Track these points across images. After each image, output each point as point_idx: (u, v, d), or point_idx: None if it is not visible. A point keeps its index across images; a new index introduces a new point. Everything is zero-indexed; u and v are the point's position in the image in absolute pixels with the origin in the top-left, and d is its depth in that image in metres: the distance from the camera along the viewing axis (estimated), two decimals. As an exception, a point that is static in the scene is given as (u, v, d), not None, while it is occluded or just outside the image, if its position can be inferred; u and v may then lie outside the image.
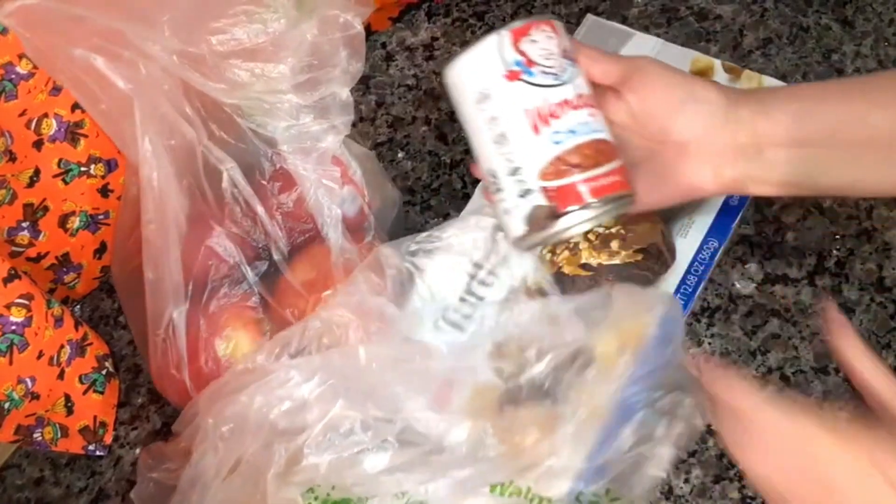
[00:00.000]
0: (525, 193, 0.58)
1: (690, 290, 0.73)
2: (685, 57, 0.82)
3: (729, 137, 0.57)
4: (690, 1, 0.89)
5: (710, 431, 0.69)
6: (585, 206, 0.57)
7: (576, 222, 0.58)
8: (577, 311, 0.66)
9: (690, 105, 0.58)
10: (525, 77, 0.57)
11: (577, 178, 0.57)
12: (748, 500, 0.66)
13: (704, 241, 0.74)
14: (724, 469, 0.67)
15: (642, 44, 0.84)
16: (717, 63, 0.82)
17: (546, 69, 0.57)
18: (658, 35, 0.85)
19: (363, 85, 0.90)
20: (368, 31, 0.89)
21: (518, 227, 0.59)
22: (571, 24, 0.88)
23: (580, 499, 0.60)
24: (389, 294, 0.67)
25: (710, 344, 0.72)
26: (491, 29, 0.60)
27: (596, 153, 0.58)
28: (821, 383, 0.70)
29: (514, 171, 0.58)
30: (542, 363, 0.64)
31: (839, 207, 0.76)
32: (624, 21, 0.88)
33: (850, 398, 0.69)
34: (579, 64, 0.60)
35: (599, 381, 0.62)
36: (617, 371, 0.62)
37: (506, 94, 0.58)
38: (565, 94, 0.58)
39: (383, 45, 0.92)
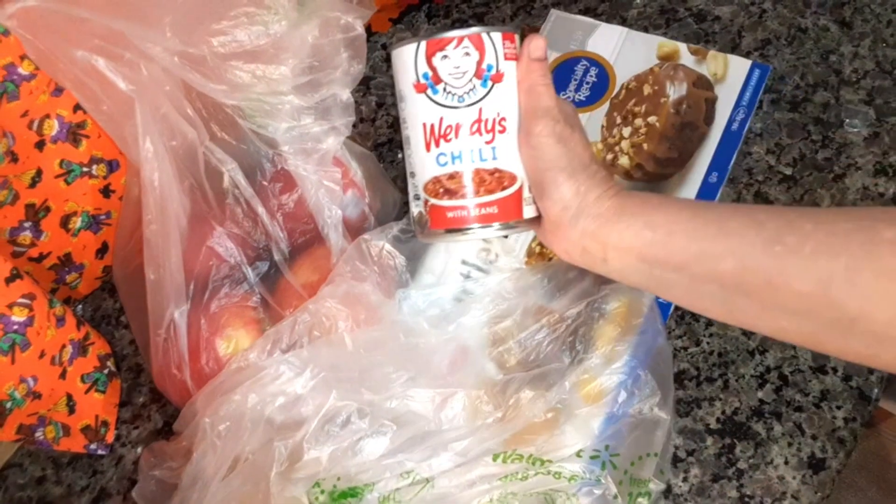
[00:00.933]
0: (415, 197, 0.60)
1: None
2: (651, 43, 0.83)
3: (575, 237, 0.56)
4: (689, 2, 0.89)
5: (708, 431, 0.69)
6: (452, 231, 0.59)
7: (447, 239, 0.61)
8: (548, 278, 0.69)
9: (542, 193, 0.57)
10: (429, 93, 0.58)
11: (448, 203, 0.58)
12: (746, 499, 0.66)
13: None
14: (723, 468, 0.68)
15: (609, 34, 0.84)
16: (683, 47, 0.82)
17: (450, 89, 0.57)
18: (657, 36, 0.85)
19: (363, 86, 0.90)
20: (369, 32, 0.90)
21: (412, 220, 0.62)
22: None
23: (580, 454, 0.61)
24: (374, 281, 0.68)
25: (708, 343, 0.72)
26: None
27: (477, 182, 0.58)
28: (819, 383, 0.70)
29: (412, 175, 0.60)
30: (526, 331, 0.66)
31: (839, 205, 0.76)
32: (623, 22, 0.88)
33: (849, 398, 0.69)
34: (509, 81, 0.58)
35: (586, 331, 0.66)
36: (600, 312, 0.66)
37: (412, 103, 0.59)
38: (464, 118, 0.57)
39: (383, 47, 0.93)
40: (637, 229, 0.54)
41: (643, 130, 0.78)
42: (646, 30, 0.87)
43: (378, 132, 0.88)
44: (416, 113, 0.58)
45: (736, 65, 0.81)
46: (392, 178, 0.80)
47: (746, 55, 0.84)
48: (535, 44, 0.57)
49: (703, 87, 0.80)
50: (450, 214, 0.58)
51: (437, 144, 0.58)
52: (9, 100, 0.64)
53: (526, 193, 0.59)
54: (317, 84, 0.65)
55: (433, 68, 0.57)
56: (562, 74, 0.83)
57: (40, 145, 0.68)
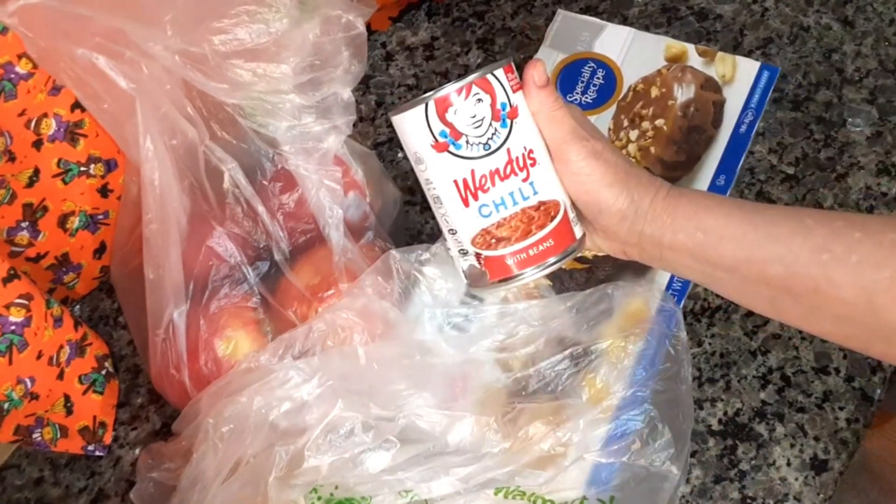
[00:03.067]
0: (462, 252, 0.58)
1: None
2: (659, 44, 0.83)
3: (633, 240, 0.57)
4: (691, 0, 0.89)
5: (710, 432, 0.69)
6: (514, 277, 0.57)
7: (508, 286, 0.58)
8: (576, 309, 0.66)
9: (597, 210, 0.58)
10: (452, 149, 0.55)
11: (505, 251, 0.57)
12: (748, 501, 0.66)
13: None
14: (725, 469, 0.67)
15: (616, 35, 0.84)
16: (691, 48, 0.82)
17: (473, 140, 0.55)
18: (658, 34, 0.85)
19: (363, 85, 0.90)
20: (368, 30, 0.89)
21: (461, 275, 0.60)
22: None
23: (584, 503, 0.60)
24: (394, 299, 0.67)
25: (710, 344, 0.72)
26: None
27: (526, 222, 0.56)
28: (821, 383, 0.70)
29: (452, 232, 0.58)
30: (547, 361, 0.64)
31: (841, 207, 0.76)
32: (624, 21, 0.88)
33: (852, 399, 0.69)
34: (526, 113, 0.57)
35: (609, 369, 0.63)
36: (626, 352, 0.63)
37: (435, 163, 0.56)
38: (495, 164, 0.55)
39: (383, 45, 0.92)
40: (690, 232, 0.55)
41: (650, 133, 0.78)
42: (647, 28, 0.87)
43: (378, 131, 0.87)
44: (443, 172, 0.56)
45: (744, 67, 0.80)
46: (392, 178, 0.79)
47: (748, 54, 0.84)
48: (537, 71, 0.56)
49: (711, 89, 0.79)
50: (509, 261, 0.57)
51: (476, 198, 0.56)
52: (6, 99, 0.63)
53: (571, 214, 0.58)
54: (318, 83, 0.65)
55: (449, 124, 0.55)
56: (568, 76, 0.83)
57: (38, 144, 0.68)
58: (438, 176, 0.56)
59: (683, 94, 0.79)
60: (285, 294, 0.69)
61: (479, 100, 0.55)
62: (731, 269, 0.54)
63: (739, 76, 0.80)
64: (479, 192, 0.56)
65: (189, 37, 0.60)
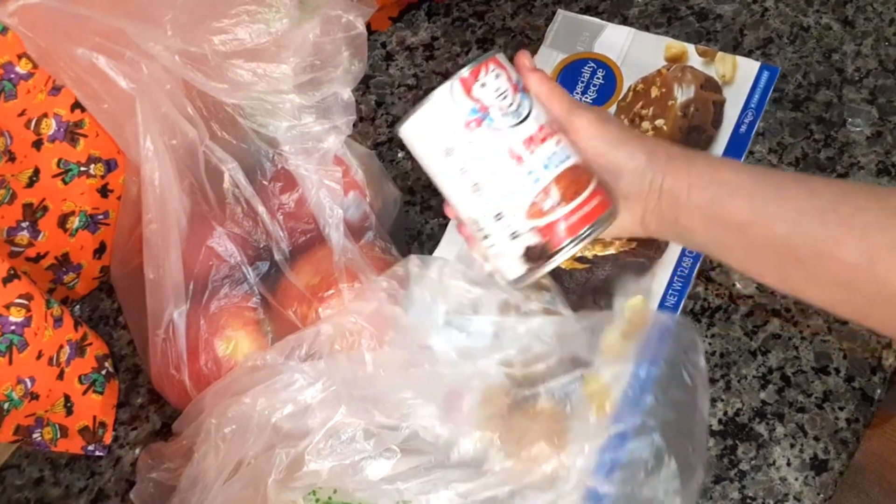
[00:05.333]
0: (514, 235, 0.57)
1: (687, 271, 0.73)
2: (659, 44, 0.83)
3: (653, 201, 0.58)
4: (691, 0, 0.89)
5: (711, 432, 0.69)
6: (577, 238, 0.56)
7: (571, 252, 0.57)
8: (589, 329, 0.65)
9: (616, 172, 0.59)
10: (487, 123, 0.55)
11: (562, 212, 0.56)
12: (748, 501, 0.66)
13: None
14: (725, 469, 0.67)
15: (616, 35, 0.84)
16: (691, 48, 0.82)
17: (504, 110, 0.56)
18: (658, 34, 0.85)
19: (363, 85, 0.90)
20: (368, 30, 0.89)
21: (514, 267, 0.58)
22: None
23: None
24: (408, 305, 0.67)
25: (710, 344, 0.72)
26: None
27: (573, 181, 0.57)
28: (821, 383, 0.70)
29: (499, 217, 0.57)
30: (557, 380, 0.63)
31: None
32: (624, 21, 0.88)
33: (852, 399, 0.69)
34: (531, 93, 0.58)
35: (618, 394, 0.62)
36: (637, 377, 0.62)
37: (471, 144, 0.56)
38: (529, 131, 0.56)
39: (383, 45, 0.92)
40: (705, 183, 0.56)
41: (651, 133, 0.78)
42: (647, 28, 0.87)
43: (378, 131, 0.87)
44: (481, 149, 0.56)
45: (744, 66, 0.80)
46: (392, 178, 0.79)
47: (748, 54, 0.84)
48: (526, 58, 0.59)
49: (711, 89, 0.79)
50: (565, 224, 0.56)
51: (521, 163, 0.56)
52: (6, 99, 0.63)
53: (602, 179, 0.59)
54: (318, 83, 0.65)
55: (477, 100, 0.55)
56: (569, 76, 0.83)
57: (38, 144, 0.67)
58: (476, 156, 0.56)
59: (683, 94, 0.79)
60: (285, 294, 0.69)
61: (497, 75, 0.56)
62: (740, 228, 0.55)
63: (739, 76, 0.80)
64: (524, 158, 0.56)
65: (189, 37, 0.60)
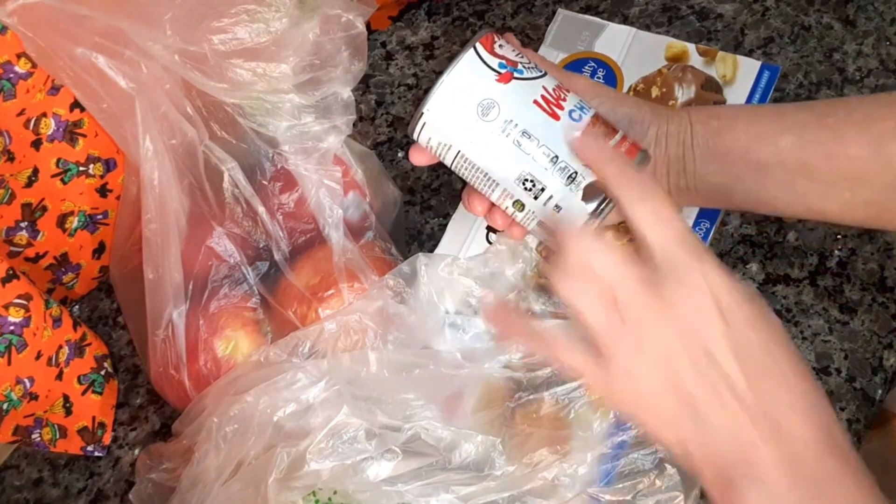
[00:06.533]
0: (573, 177, 0.57)
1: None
2: (660, 43, 0.83)
3: (662, 151, 0.61)
4: (691, 0, 0.89)
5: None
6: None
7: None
8: None
9: (625, 125, 0.61)
10: (517, 75, 0.58)
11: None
12: (750, 501, 0.66)
13: (696, 223, 0.75)
14: (727, 470, 0.67)
15: (616, 34, 0.84)
16: (691, 47, 0.82)
17: (527, 64, 0.59)
18: (659, 34, 0.85)
19: (363, 84, 0.90)
20: (368, 29, 0.89)
21: (581, 210, 0.58)
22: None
23: None
24: (414, 304, 0.66)
25: (711, 344, 0.72)
26: (491, 28, 0.60)
27: (604, 123, 0.59)
28: (822, 383, 0.70)
29: (554, 160, 0.57)
30: (563, 386, 0.63)
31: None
32: (625, 20, 0.88)
33: (853, 399, 0.69)
34: None
35: None
36: None
37: (509, 95, 0.57)
38: (553, 82, 0.59)
39: (383, 45, 0.92)
40: (705, 118, 0.60)
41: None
42: (648, 28, 0.86)
43: (378, 131, 0.87)
44: (521, 98, 0.57)
45: (745, 66, 0.80)
46: (392, 178, 0.79)
47: (749, 53, 0.84)
48: (511, 38, 0.63)
49: (711, 89, 0.79)
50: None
51: (561, 106, 0.58)
52: (5, 98, 0.63)
53: None
54: (317, 82, 0.65)
55: (502, 56, 0.58)
56: (569, 76, 0.83)
57: (37, 144, 0.67)
58: (518, 105, 0.57)
59: (684, 93, 0.79)
60: (285, 294, 0.69)
61: (504, 42, 0.59)
62: (748, 151, 0.58)
63: (740, 76, 0.80)
64: (562, 102, 0.58)
65: (189, 36, 0.60)
